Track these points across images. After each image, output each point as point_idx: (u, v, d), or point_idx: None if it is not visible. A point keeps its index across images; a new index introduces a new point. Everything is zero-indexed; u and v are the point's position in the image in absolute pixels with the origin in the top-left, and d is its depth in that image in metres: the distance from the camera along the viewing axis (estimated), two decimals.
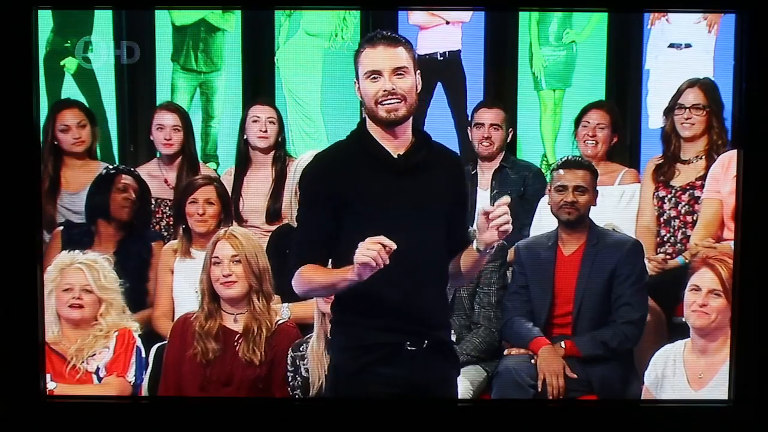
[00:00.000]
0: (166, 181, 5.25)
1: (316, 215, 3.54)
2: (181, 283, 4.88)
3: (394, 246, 3.25)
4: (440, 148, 3.65)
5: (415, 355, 3.55)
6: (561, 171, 4.67)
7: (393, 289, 3.47)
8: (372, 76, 3.47)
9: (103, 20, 5.22)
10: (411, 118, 3.53)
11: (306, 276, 3.51)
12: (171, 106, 5.29)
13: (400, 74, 3.46)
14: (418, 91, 3.54)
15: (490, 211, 3.32)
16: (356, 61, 3.54)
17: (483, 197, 5.20)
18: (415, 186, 3.50)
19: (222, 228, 4.72)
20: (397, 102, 3.45)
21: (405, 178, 3.50)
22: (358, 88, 3.54)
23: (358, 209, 3.48)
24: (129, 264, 4.78)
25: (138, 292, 4.79)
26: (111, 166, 5.09)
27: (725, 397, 4.25)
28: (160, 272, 4.96)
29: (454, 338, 4.58)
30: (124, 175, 5.00)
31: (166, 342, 4.56)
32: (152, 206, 5.15)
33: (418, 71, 3.53)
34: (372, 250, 3.24)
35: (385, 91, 3.45)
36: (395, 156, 3.51)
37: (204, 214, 4.88)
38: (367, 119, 3.55)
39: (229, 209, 5.00)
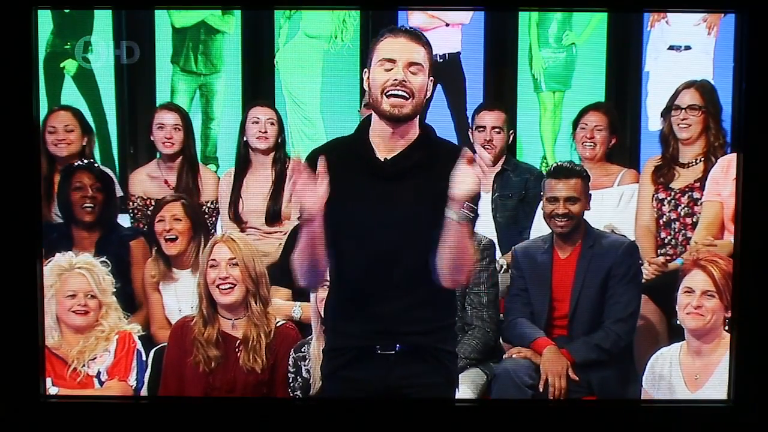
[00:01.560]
0: (166, 182, 5.24)
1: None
2: (171, 302, 4.89)
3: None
4: (447, 147, 3.53)
5: (388, 359, 3.50)
6: (552, 181, 4.65)
7: (367, 293, 3.45)
8: (385, 65, 3.38)
9: (102, 20, 5.22)
10: (417, 118, 3.45)
11: (293, 261, 3.48)
12: (171, 106, 5.29)
13: (414, 70, 3.37)
14: (427, 96, 3.45)
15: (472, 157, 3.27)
16: (372, 49, 3.45)
17: (484, 200, 5.19)
18: (404, 190, 3.41)
19: (194, 244, 4.84)
20: (404, 97, 3.36)
21: (392, 182, 3.42)
22: (368, 77, 3.44)
23: (341, 210, 3.40)
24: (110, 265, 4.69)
25: (124, 293, 4.71)
26: (65, 168, 5.05)
27: (722, 397, 4.25)
28: (148, 290, 4.94)
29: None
30: (78, 172, 4.96)
31: (165, 344, 4.55)
32: (118, 198, 5.15)
33: (431, 78, 3.44)
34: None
35: (395, 80, 3.35)
36: (382, 160, 3.44)
37: (171, 230, 4.85)
38: (373, 116, 3.46)
39: (201, 226, 4.97)
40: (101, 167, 5.09)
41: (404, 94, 3.37)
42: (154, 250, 4.91)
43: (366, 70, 3.47)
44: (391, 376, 3.52)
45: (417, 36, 3.43)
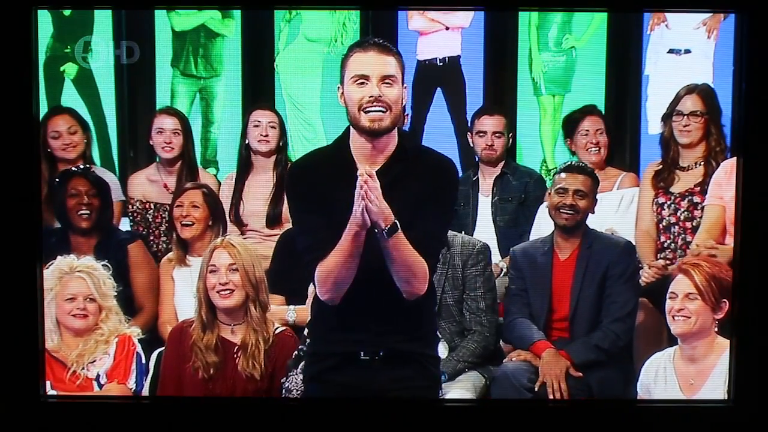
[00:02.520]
0: (165, 185, 5.23)
1: (306, 218, 3.53)
2: (182, 290, 4.87)
3: (369, 170, 3.30)
4: (427, 156, 3.59)
5: (372, 364, 3.56)
6: (562, 174, 4.69)
7: (353, 299, 3.49)
8: (359, 81, 3.42)
9: (102, 21, 5.22)
10: (396, 129, 3.50)
11: (323, 268, 3.45)
12: (171, 110, 5.29)
13: (388, 83, 3.42)
14: (404, 105, 3.52)
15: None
16: (343, 65, 3.49)
17: (484, 203, 5.21)
18: (387, 201, 3.40)
19: (211, 233, 4.85)
20: (382, 111, 3.40)
21: None
22: (342, 93, 3.48)
23: (326, 222, 3.45)
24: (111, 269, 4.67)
25: (124, 297, 4.69)
26: (60, 174, 5.03)
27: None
28: (162, 280, 4.95)
29: (442, 352, 4.58)
30: (74, 179, 4.95)
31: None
32: (113, 203, 5.10)
33: (406, 85, 3.50)
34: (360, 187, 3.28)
35: (371, 97, 3.39)
36: None
37: (188, 216, 4.88)
38: (351, 130, 3.50)
39: (219, 216, 4.98)
40: (96, 172, 5.07)
41: (382, 108, 3.41)
42: (174, 234, 4.92)
43: (339, 86, 3.50)
44: (376, 381, 3.58)
45: (386, 47, 3.47)
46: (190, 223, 4.88)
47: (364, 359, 3.55)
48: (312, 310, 3.75)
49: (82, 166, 5.06)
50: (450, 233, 4.64)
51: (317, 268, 3.46)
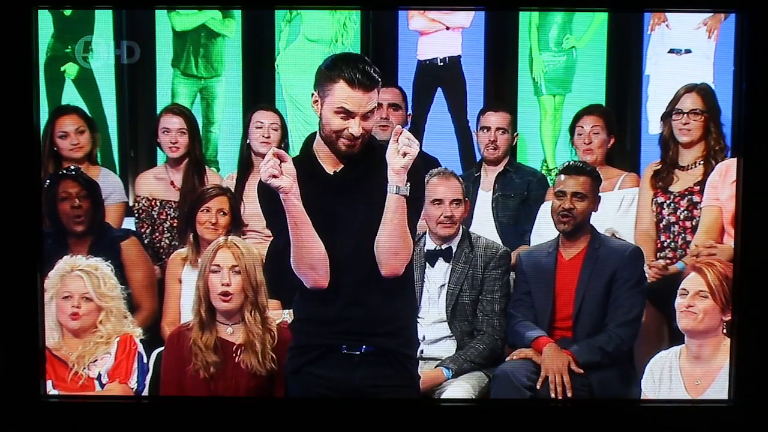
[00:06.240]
0: (172, 183, 5.25)
1: (278, 220, 3.62)
2: (189, 293, 4.83)
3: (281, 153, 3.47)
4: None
5: (353, 359, 3.67)
6: (561, 176, 4.70)
7: (335, 294, 3.61)
8: (342, 114, 3.50)
9: (103, 21, 5.22)
10: None
11: (292, 257, 3.60)
12: (176, 109, 5.27)
13: (367, 116, 3.52)
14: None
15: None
16: (326, 84, 3.54)
17: (485, 199, 5.21)
18: (356, 197, 3.60)
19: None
20: (356, 139, 3.53)
21: (344, 192, 3.60)
22: (319, 108, 3.56)
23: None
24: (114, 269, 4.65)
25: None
26: (51, 176, 4.99)
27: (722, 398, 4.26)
28: (168, 281, 4.94)
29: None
30: (63, 182, 4.92)
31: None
32: (103, 202, 5.05)
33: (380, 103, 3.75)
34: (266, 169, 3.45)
35: (351, 134, 3.50)
36: (331, 173, 3.61)
37: (216, 224, 4.88)
38: (317, 137, 3.64)
39: (239, 221, 5.00)
40: (87, 174, 5.04)
41: (358, 140, 3.53)
42: (191, 235, 4.91)
43: (315, 93, 3.58)
44: (356, 376, 3.69)
45: (373, 83, 3.54)
46: (216, 229, 4.88)
47: (347, 354, 3.67)
48: (294, 308, 3.85)
49: (72, 168, 5.04)
50: (474, 235, 4.79)
51: (291, 262, 3.61)
